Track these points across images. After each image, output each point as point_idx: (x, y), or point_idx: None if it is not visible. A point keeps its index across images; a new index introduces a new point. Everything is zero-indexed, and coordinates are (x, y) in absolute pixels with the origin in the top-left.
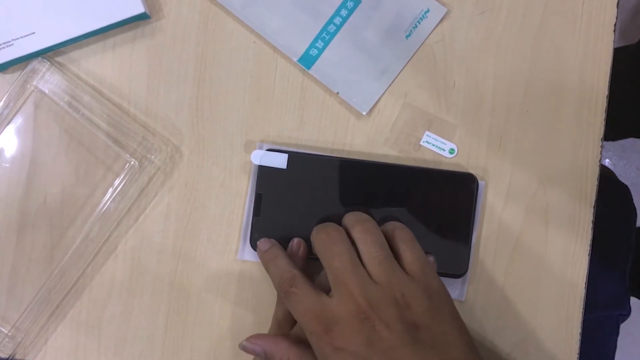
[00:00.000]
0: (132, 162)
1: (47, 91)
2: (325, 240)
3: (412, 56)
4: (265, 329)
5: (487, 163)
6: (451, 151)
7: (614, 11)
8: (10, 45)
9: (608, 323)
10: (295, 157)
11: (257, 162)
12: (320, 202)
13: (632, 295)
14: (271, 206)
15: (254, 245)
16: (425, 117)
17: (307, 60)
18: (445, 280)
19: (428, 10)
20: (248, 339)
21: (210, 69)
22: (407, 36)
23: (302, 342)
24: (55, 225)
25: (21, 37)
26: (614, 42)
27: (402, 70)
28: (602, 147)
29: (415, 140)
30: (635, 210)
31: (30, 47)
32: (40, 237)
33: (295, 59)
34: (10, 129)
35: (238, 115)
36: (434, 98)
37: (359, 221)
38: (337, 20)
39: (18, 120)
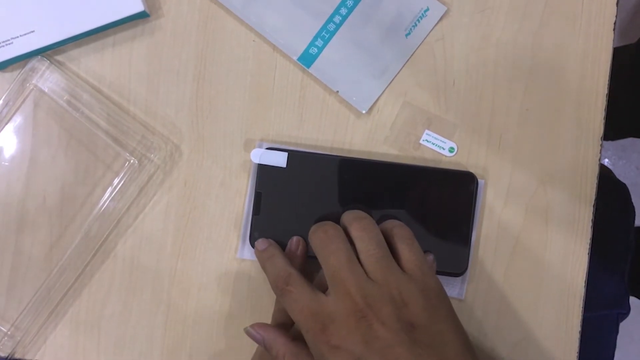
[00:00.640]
0: (132, 161)
1: (46, 90)
2: (323, 238)
3: (412, 55)
4: None
5: (486, 162)
6: (451, 150)
7: (613, 11)
8: (9, 44)
9: (607, 322)
10: (295, 156)
11: (257, 161)
12: (320, 200)
13: (631, 295)
14: (271, 205)
15: (253, 244)
16: (425, 116)
17: (306, 59)
18: (444, 279)
19: (428, 9)
20: (252, 325)
21: (209, 67)
22: (407, 35)
23: (300, 340)
24: (55, 224)
25: (20, 36)
26: (613, 41)
27: (401, 68)
28: (601, 146)
29: (415, 139)
30: (634, 209)
31: (29, 45)
32: (40, 235)
33: (295, 58)
34: (10, 128)
35: (238, 113)
36: (434, 97)
37: (357, 219)
38: (337, 18)
39: (17, 119)
